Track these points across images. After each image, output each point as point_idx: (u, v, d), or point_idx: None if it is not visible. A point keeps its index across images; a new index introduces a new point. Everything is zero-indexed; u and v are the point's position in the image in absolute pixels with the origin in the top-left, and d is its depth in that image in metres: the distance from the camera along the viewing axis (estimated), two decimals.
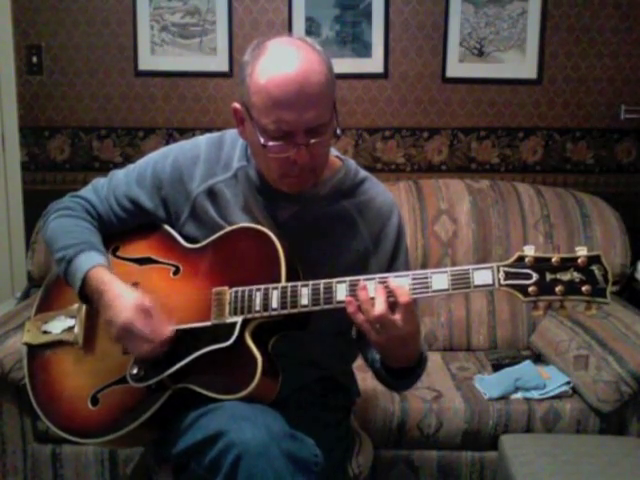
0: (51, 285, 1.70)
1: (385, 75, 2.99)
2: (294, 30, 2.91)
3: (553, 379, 2.25)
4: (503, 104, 3.01)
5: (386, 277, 1.35)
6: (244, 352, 1.37)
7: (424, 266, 2.64)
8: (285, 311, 1.38)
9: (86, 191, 1.66)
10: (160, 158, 1.60)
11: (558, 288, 1.26)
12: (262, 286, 1.40)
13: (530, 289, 1.27)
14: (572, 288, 1.26)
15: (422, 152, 3.05)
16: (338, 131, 1.43)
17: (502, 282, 1.28)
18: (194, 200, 1.55)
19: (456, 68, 2.97)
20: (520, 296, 1.28)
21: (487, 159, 3.06)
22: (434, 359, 2.50)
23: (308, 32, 2.91)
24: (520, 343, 2.60)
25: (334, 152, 1.58)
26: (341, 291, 1.36)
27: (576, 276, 1.26)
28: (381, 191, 1.59)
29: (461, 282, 1.31)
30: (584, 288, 1.25)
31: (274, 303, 1.38)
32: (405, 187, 2.79)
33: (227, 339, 1.39)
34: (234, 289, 1.43)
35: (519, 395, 2.20)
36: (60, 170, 3.08)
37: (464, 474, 2.19)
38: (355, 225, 1.54)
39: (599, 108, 3.01)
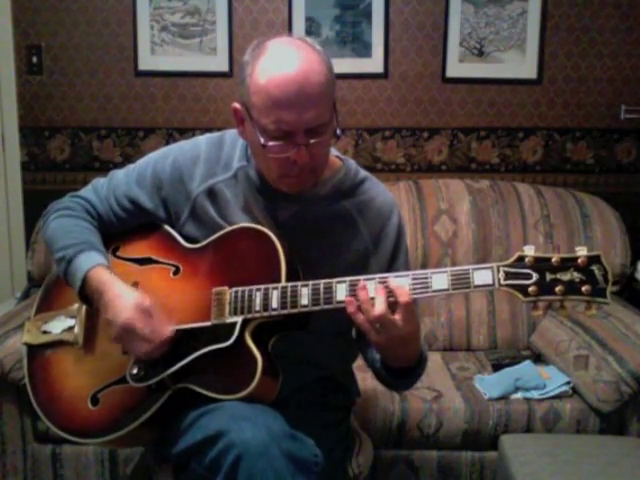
0: (51, 285, 1.70)
1: (385, 75, 2.99)
2: (294, 30, 2.91)
3: (553, 379, 2.25)
4: (503, 104, 3.01)
5: (386, 277, 1.35)
6: (244, 352, 1.37)
7: (424, 266, 2.64)
8: (285, 311, 1.38)
9: (86, 191, 1.66)
10: (160, 158, 1.60)
11: (558, 288, 1.26)
12: (262, 286, 1.40)
13: (530, 289, 1.27)
14: (572, 288, 1.26)
15: (422, 152, 3.05)
16: (338, 131, 1.43)
17: (502, 282, 1.28)
18: (194, 200, 1.55)
19: (456, 68, 2.97)
20: (520, 296, 1.28)
21: (487, 159, 3.06)
22: (434, 359, 2.50)
23: (308, 32, 2.91)
24: (520, 343, 2.60)
25: (334, 152, 1.58)
26: (341, 291, 1.36)
27: (576, 276, 1.26)
28: (381, 191, 1.59)
29: (461, 282, 1.31)
30: (584, 288, 1.25)
31: (274, 303, 1.38)
32: (405, 187, 2.79)
33: (227, 339, 1.39)
34: (234, 289, 1.43)
35: (519, 395, 2.20)
36: (60, 170, 3.08)
37: (464, 474, 2.19)
38: (355, 225, 1.54)
39: (599, 108, 3.01)
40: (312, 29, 2.93)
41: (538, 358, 2.45)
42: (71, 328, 1.58)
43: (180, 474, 1.49)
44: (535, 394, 2.20)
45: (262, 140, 1.37)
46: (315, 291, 1.37)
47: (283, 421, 1.36)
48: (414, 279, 1.34)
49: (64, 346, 1.58)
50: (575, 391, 2.21)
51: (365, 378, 2.03)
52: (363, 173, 1.60)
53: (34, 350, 1.62)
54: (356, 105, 3.01)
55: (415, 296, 1.33)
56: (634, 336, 2.24)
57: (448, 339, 2.62)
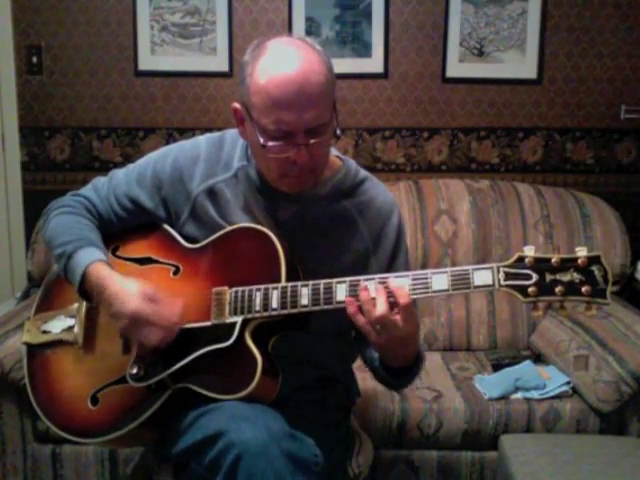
0: (51, 285, 1.70)
1: (385, 75, 2.99)
2: (294, 30, 2.91)
3: (553, 379, 2.25)
4: (503, 104, 3.01)
5: (386, 277, 1.35)
6: (244, 352, 1.37)
7: (424, 266, 2.64)
8: (285, 311, 1.38)
9: (86, 190, 1.66)
10: (160, 158, 1.60)
11: (558, 289, 1.26)
12: (262, 286, 1.40)
13: (530, 290, 1.27)
14: (572, 289, 1.26)
15: (422, 152, 3.05)
16: (338, 131, 1.43)
17: (502, 282, 1.29)
18: (194, 200, 1.55)
19: (456, 68, 2.97)
20: (520, 297, 1.28)
21: (487, 159, 3.06)
22: (434, 359, 2.50)
23: (308, 32, 2.91)
24: (520, 343, 2.60)
25: (334, 152, 1.58)
26: (341, 291, 1.36)
27: (576, 277, 1.26)
28: (381, 191, 1.59)
29: (461, 282, 1.31)
30: (584, 289, 1.25)
31: (274, 303, 1.39)
32: (405, 187, 2.79)
33: (227, 339, 1.39)
34: (234, 289, 1.43)
35: (519, 395, 2.20)
36: (60, 170, 3.08)
37: (464, 474, 2.19)
38: (355, 225, 1.54)
39: (599, 108, 3.01)
40: (312, 29, 2.93)
41: (538, 358, 2.45)
42: (71, 328, 1.58)
43: (180, 474, 1.49)
44: (535, 394, 2.20)
45: (262, 140, 1.37)
46: (315, 291, 1.37)
47: (283, 421, 1.36)
48: (414, 279, 1.34)
49: (64, 346, 1.58)
50: (575, 391, 2.21)
51: (365, 378, 2.03)
52: (363, 173, 1.60)
53: (34, 350, 1.62)
54: (356, 105, 3.01)
55: (415, 296, 1.33)
56: (634, 336, 2.24)
57: (448, 339, 2.62)
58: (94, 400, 1.51)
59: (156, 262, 1.56)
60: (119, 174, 1.64)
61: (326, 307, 1.37)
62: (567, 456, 1.84)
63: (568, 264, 1.26)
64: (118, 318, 1.44)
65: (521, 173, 3.05)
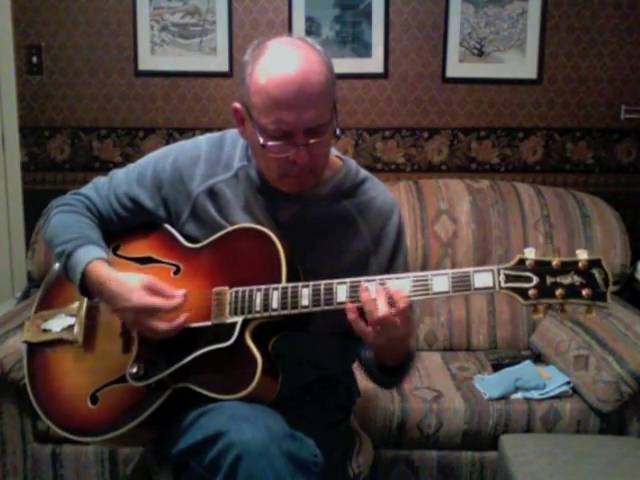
0: (51, 283, 1.70)
1: (385, 75, 2.99)
2: (294, 30, 2.91)
3: (553, 379, 2.25)
4: (503, 104, 3.01)
5: (387, 278, 1.35)
6: (244, 352, 1.37)
7: (424, 266, 2.64)
8: (285, 312, 1.38)
9: (87, 189, 1.66)
10: (160, 158, 1.60)
11: (558, 291, 1.26)
12: (262, 286, 1.40)
13: (530, 292, 1.27)
14: (572, 291, 1.26)
15: (422, 152, 3.05)
16: (338, 131, 1.43)
17: (502, 285, 1.29)
18: (195, 200, 1.55)
19: (456, 68, 2.97)
20: (520, 299, 1.28)
21: (487, 159, 3.06)
22: (434, 359, 2.50)
23: (308, 32, 2.91)
24: (520, 343, 2.60)
25: (334, 152, 1.58)
26: (341, 292, 1.36)
27: (576, 279, 1.26)
28: (381, 191, 1.59)
29: (461, 284, 1.31)
30: (584, 292, 1.25)
31: (274, 303, 1.39)
32: (405, 187, 2.79)
33: (227, 339, 1.39)
34: (234, 289, 1.43)
35: (519, 395, 2.20)
36: (60, 170, 3.08)
37: (464, 474, 2.19)
38: (355, 225, 1.54)
39: (599, 108, 3.01)
40: (312, 29, 2.93)
41: (538, 358, 2.45)
42: (71, 327, 1.58)
43: (180, 474, 1.49)
44: (535, 394, 2.20)
45: (262, 140, 1.37)
46: (315, 292, 1.37)
47: (283, 421, 1.36)
48: (414, 281, 1.34)
49: (64, 344, 1.58)
50: (575, 391, 2.21)
51: (365, 378, 2.03)
52: (363, 173, 1.60)
53: (34, 348, 1.62)
54: (356, 105, 3.01)
55: (415, 298, 1.33)
56: (634, 336, 2.24)
57: (448, 339, 2.62)
58: (94, 399, 1.51)
59: (157, 262, 1.56)
60: (119, 174, 1.64)
61: (326, 308, 1.37)
62: (567, 456, 1.84)
63: (569, 267, 1.27)
64: (122, 313, 1.44)
65: (521, 173, 3.05)
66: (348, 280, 1.37)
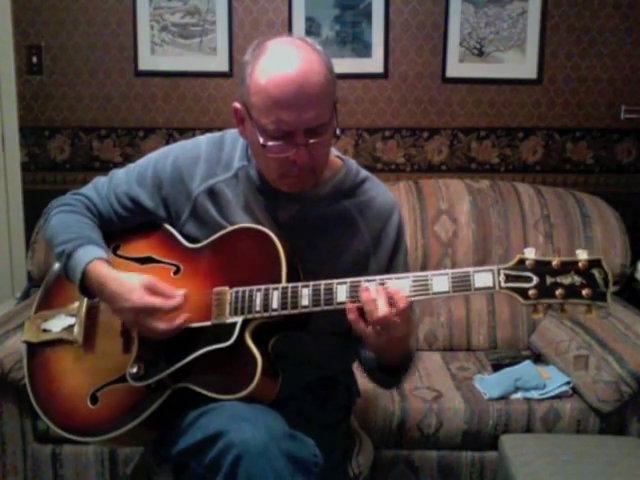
0: (51, 283, 1.70)
1: (385, 75, 2.99)
2: (294, 30, 2.91)
3: (553, 379, 2.25)
4: (503, 104, 3.01)
5: (387, 278, 1.35)
6: (244, 352, 1.37)
7: (424, 266, 2.64)
8: (285, 312, 1.38)
9: (87, 189, 1.66)
10: (160, 158, 1.60)
11: (558, 291, 1.26)
12: (262, 286, 1.40)
13: (530, 292, 1.27)
14: (572, 291, 1.26)
15: (422, 152, 3.05)
16: (337, 131, 1.43)
17: (502, 285, 1.29)
18: (195, 200, 1.55)
19: (456, 68, 2.97)
20: (520, 299, 1.28)
21: (487, 159, 3.06)
22: (434, 359, 2.50)
23: (308, 32, 2.91)
24: (520, 343, 2.60)
25: (335, 152, 1.58)
26: (342, 292, 1.36)
27: (576, 279, 1.26)
28: (382, 191, 1.59)
29: (461, 284, 1.31)
30: (584, 292, 1.25)
31: (274, 304, 1.39)
32: (405, 187, 2.79)
33: (227, 339, 1.39)
34: (234, 289, 1.43)
35: (519, 395, 2.20)
36: (60, 170, 3.08)
37: (464, 474, 2.19)
38: (356, 225, 1.54)
39: (599, 108, 3.01)
40: (312, 29, 2.93)
41: (538, 358, 2.45)
42: (71, 327, 1.58)
43: (180, 474, 1.49)
44: (535, 394, 2.20)
45: (262, 140, 1.37)
46: (316, 292, 1.37)
47: (283, 421, 1.37)
48: (414, 281, 1.34)
49: (64, 344, 1.59)
50: (575, 391, 2.21)
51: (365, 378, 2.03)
52: (364, 173, 1.60)
53: (34, 348, 1.62)
54: (356, 105, 3.01)
55: (416, 298, 1.33)
56: (634, 336, 2.24)
57: (448, 339, 2.62)
58: (94, 399, 1.51)
59: (157, 262, 1.57)
60: (119, 174, 1.64)
61: (326, 308, 1.37)
62: (567, 456, 1.84)
63: (569, 267, 1.27)
64: (122, 313, 1.45)
65: (521, 173, 3.05)
66: (348, 280, 1.37)
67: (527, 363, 2.35)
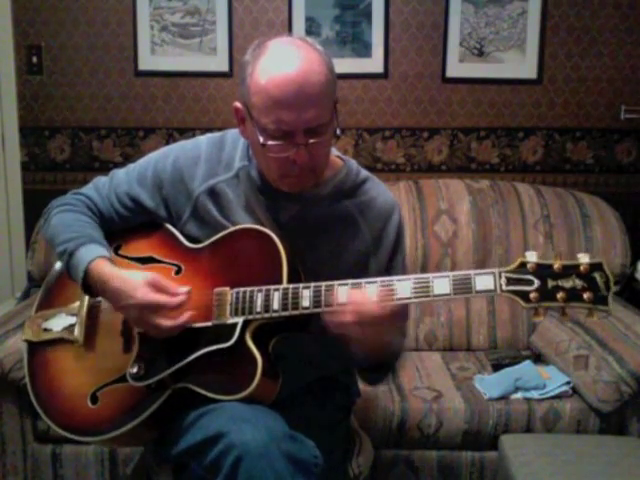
0: (52, 283, 1.70)
1: (385, 75, 2.99)
2: (294, 30, 2.91)
3: (553, 379, 2.25)
4: (503, 104, 3.01)
5: (389, 280, 1.35)
6: (244, 353, 1.37)
7: (424, 266, 2.64)
8: (286, 313, 1.38)
9: (87, 189, 1.66)
10: (161, 158, 1.60)
11: (560, 295, 1.26)
12: (263, 287, 1.40)
13: (532, 295, 1.27)
14: (574, 295, 1.26)
15: (422, 152, 3.05)
16: (338, 131, 1.44)
17: (504, 288, 1.29)
18: (196, 200, 1.55)
19: (456, 68, 2.97)
20: (521, 302, 1.28)
21: (487, 159, 3.06)
22: (434, 359, 2.50)
23: (308, 32, 2.91)
24: (520, 343, 2.60)
25: (335, 152, 1.58)
26: (342, 293, 1.36)
27: (578, 283, 1.26)
28: (382, 191, 1.60)
29: (462, 287, 1.31)
30: (586, 295, 1.25)
31: (275, 304, 1.39)
32: (405, 187, 2.79)
33: (228, 340, 1.39)
34: (235, 290, 1.43)
35: (519, 395, 2.20)
36: (60, 170, 3.08)
37: (464, 474, 2.19)
38: (356, 225, 1.54)
39: (599, 108, 3.01)
40: (312, 29, 2.93)
41: (538, 358, 2.45)
42: (72, 326, 1.58)
43: (180, 474, 1.50)
44: (535, 394, 2.20)
45: (262, 139, 1.37)
46: (316, 293, 1.37)
47: (283, 422, 1.37)
48: (415, 283, 1.34)
49: (64, 344, 1.59)
50: (575, 391, 2.21)
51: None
52: (364, 173, 1.60)
53: (34, 347, 1.62)
54: (356, 105, 3.01)
55: (416, 300, 1.34)
56: (634, 336, 2.24)
57: (448, 339, 2.62)
58: (94, 399, 1.51)
59: (158, 262, 1.57)
60: (120, 173, 1.64)
61: (327, 309, 1.37)
62: (567, 456, 1.84)
63: (570, 270, 1.27)
64: (126, 310, 1.44)
65: (521, 173, 3.05)
66: (349, 281, 1.37)
67: (527, 363, 2.35)
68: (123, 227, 1.63)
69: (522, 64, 2.97)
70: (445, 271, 2.58)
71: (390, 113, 3.02)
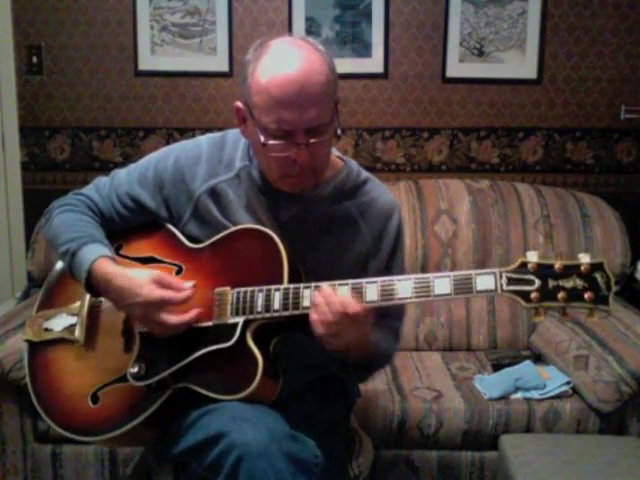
0: (53, 283, 1.70)
1: (385, 75, 2.99)
2: (294, 30, 2.91)
3: (553, 379, 2.25)
4: (503, 104, 3.01)
5: (389, 281, 1.35)
6: (245, 353, 1.37)
7: (424, 266, 2.64)
8: (287, 312, 1.39)
9: (88, 189, 1.66)
10: (162, 158, 1.60)
11: (560, 295, 1.26)
12: (264, 287, 1.41)
13: (532, 295, 1.27)
14: (574, 295, 1.26)
15: (422, 152, 3.05)
16: (339, 131, 1.44)
17: (504, 288, 1.29)
18: (197, 200, 1.55)
19: (456, 68, 2.97)
20: (522, 302, 1.28)
21: (487, 159, 3.06)
22: (434, 359, 2.50)
23: (308, 32, 2.91)
24: (520, 343, 2.60)
25: (335, 152, 1.58)
26: (343, 293, 1.36)
27: (579, 283, 1.26)
28: (383, 192, 1.60)
29: (463, 287, 1.31)
30: (586, 295, 1.25)
31: (276, 304, 1.39)
32: (405, 187, 2.79)
33: (228, 340, 1.39)
34: (236, 290, 1.43)
35: (519, 395, 2.21)
36: (60, 170, 3.08)
37: (464, 474, 2.19)
38: (357, 226, 1.54)
39: (599, 108, 3.01)
40: (312, 29, 2.93)
41: (538, 358, 2.45)
42: (72, 326, 1.59)
43: (180, 474, 1.50)
44: (535, 394, 2.20)
45: (263, 139, 1.38)
46: None
47: (284, 422, 1.37)
48: (416, 283, 1.34)
49: (65, 344, 1.59)
50: (575, 391, 2.21)
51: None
52: (365, 174, 1.60)
53: (35, 347, 1.62)
54: (356, 105, 3.01)
55: (417, 300, 1.34)
56: (634, 336, 2.24)
57: (448, 339, 2.62)
58: (94, 399, 1.51)
59: (159, 262, 1.57)
60: (121, 173, 1.64)
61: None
62: (567, 456, 1.84)
63: (571, 270, 1.27)
64: (132, 308, 1.44)
65: (521, 173, 3.05)
66: (350, 281, 1.37)
67: (527, 363, 2.35)
68: (124, 227, 1.63)
69: (522, 64, 2.97)
70: (445, 271, 2.58)
71: (390, 113, 3.02)
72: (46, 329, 1.61)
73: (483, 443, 2.16)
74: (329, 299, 1.34)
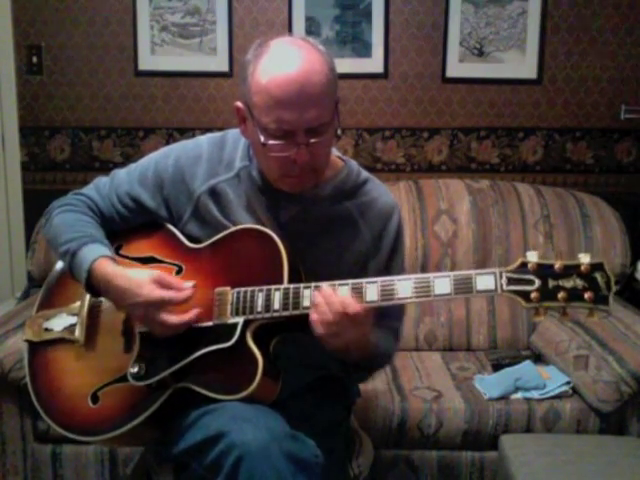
0: (53, 283, 1.70)
1: (385, 75, 2.99)
2: (294, 30, 2.91)
3: (553, 379, 2.25)
4: (503, 104, 3.01)
5: (389, 281, 1.35)
6: (245, 353, 1.37)
7: (424, 266, 2.64)
8: (287, 312, 1.39)
9: (88, 189, 1.66)
10: (162, 158, 1.60)
11: (560, 295, 1.26)
12: (264, 287, 1.41)
13: (532, 295, 1.27)
14: (574, 295, 1.26)
15: (422, 152, 3.05)
16: (338, 131, 1.44)
17: (504, 288, 1.29)
18: (197, 200, 1.55)
19: (456, 68, 2.98)
20: (522, 302, 1.28)
21: (487, 159, 3.06)
22: (434, 359, 2.50)
23: (308, 32, 2.91)
24: (520, 343, 2.60)
25: (335, 152, 1.58)
26: (343, 293, 1.36)
27: (579, 283, 1.26)
28: (383, 192, 1.60)
29: (463, 287, 1.31)
30: (586, 295, 1.25)
31: (276, 304, 1.39)
32: (405, 187, 2.79)
33: (228, 339, 1.39)
34: (236, 290, 1.43)
35: (519, 395, 2.21)
36: (60, 170, 3.08)
37: (464, 474, 2.19)
38: (357, 226, 1.54)
39: (599, 108, 3.02)
40: (312, 29, 2.93)
41: (538, 358, 2.45)
42: (73, 326, 1.59)
43: (180, 474, 1.50)
44: (535, 394, 2.20)
45: (263, 139, 1.38)
46: None
47: (284, 422, 1.37)
48: (416, 283, 1.34)
49: (65, 344, 1.59)
50: (575, 391, 2.21)
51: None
52: (365, 174, 1.61)
53: (35, 347, 1.62)
54: (356, 105, 3.01)
55: (417, 300, 1.34)
56: (634, 336, 2.24)
57: (448, 339, 2.62)
58: (94, 398, 1.51)
59: (159, 262, 1.57)
60: (121, 173, 1.64)
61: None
62: (567, 456, 1.85)
63: (571, 270, 1.27)
64: (132, 308, 1.45)
65: (521, 173, 3.05)
66: (350, 281, 1.37)
67: (527, 363, 2.35)
68: (124, 227, 1.63)
69: (522, 64, 2.97)
70: (445, 271, 2.58)
71: (390, 113, 3.02)
72: (46, 329, 1.61)
73: (483, 443, 2.16)
74: (329, 299, 1.34)
